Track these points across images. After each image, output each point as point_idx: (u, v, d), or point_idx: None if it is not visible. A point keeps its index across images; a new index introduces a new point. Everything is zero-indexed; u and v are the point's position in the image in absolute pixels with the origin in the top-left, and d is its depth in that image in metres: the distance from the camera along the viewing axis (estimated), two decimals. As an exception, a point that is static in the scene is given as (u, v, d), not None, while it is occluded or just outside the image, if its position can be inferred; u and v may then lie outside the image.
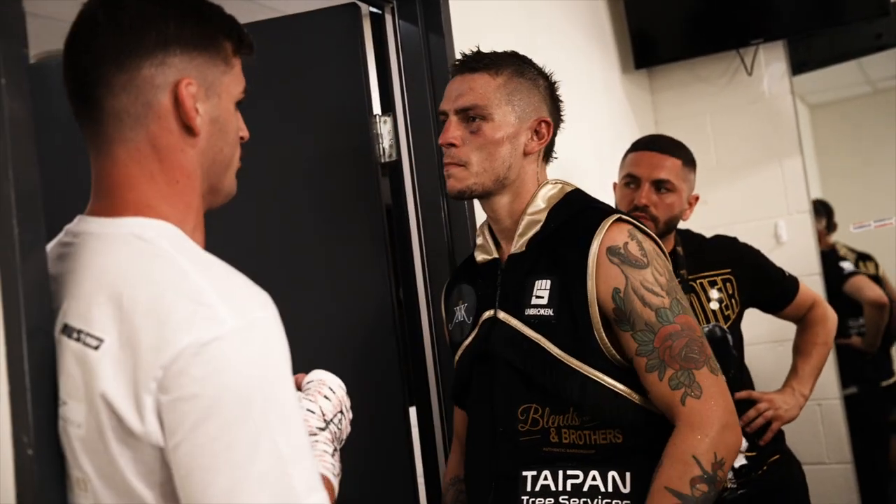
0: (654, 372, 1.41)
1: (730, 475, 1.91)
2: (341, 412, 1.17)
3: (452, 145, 1.55)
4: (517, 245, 1.56)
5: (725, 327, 2.11)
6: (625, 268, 1.44)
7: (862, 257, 3.65)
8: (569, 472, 1.45)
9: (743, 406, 2.03)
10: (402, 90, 2.14)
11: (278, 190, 2.06)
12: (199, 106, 0.99)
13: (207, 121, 1.00)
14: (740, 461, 2.03)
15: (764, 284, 2.21)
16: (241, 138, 1.08)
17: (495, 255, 1.62)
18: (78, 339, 0.88)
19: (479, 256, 1.66)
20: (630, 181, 2.14)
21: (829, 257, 3.43)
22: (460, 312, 1.68)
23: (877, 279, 3.65)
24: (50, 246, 1.00)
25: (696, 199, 2.21)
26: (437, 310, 2.09)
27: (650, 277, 1.44)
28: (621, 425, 1.45)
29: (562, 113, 1.65)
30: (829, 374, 3.19)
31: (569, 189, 1.60)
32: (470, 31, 2.17)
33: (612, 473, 1.43)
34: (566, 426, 1.47)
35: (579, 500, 1.43)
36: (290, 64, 2.07)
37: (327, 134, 2.08)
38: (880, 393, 3.59)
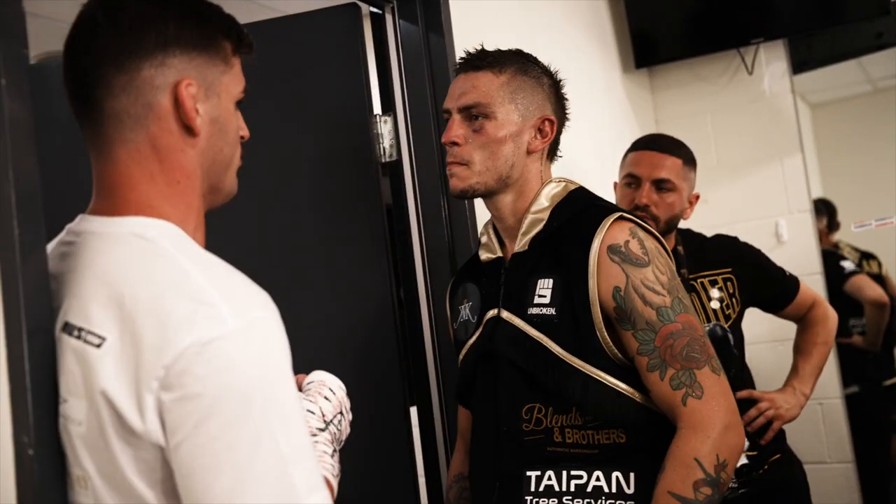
0: (656, 371, 1.40)
1: (730, 474, 1.90)
2: (341, 413, 1.17)
3: (455, 144, 1.54)
4: (520, 244, 1.56)
5: (726, 326, 2.11)
6: (625, 266, 1.43)
7: (865, 256, 3.65)
8: (572, 473, 1.45)
9: (744, 405, 2.02)
10: (403, 90, 2.14)
11: (279, 190, 2.06)
12: (199, 106, 0.99)
13: (207, 121, 1.01)
14: (741, 460, 2.03)
15: (764, 284, 2.21)
16: (242, 138, 1.08)
17: (499, 253, 1.62)
18: (79, 337, 0.88)
19: (484, 255, 1.65)
20: (630, 181, 2.14)
21: (830, 257, 3.43)
22: (465, 311, 1.67)
23: (880, 278, 3.65)
24: (51, 245, 1.01)
25: (697, 197, 2.21)
26: (440, 309, 2.10)
27: (651, 276, 1.43)
28: (624, 425, 1.44)
29: (567, 111, 1.64)
30: (831, 374, 3.19)
31: (572, 187, 1.59)
32: (470, 31, 2.17)
33: (615, 474, 1.43)
34: (569, 426, 1.46)
35: (583, 500, 1.43)
36: (291, 64, 2.07)
37: (328, 134, 2.08)
38: (882, 392, 3.59)
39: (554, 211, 1.54)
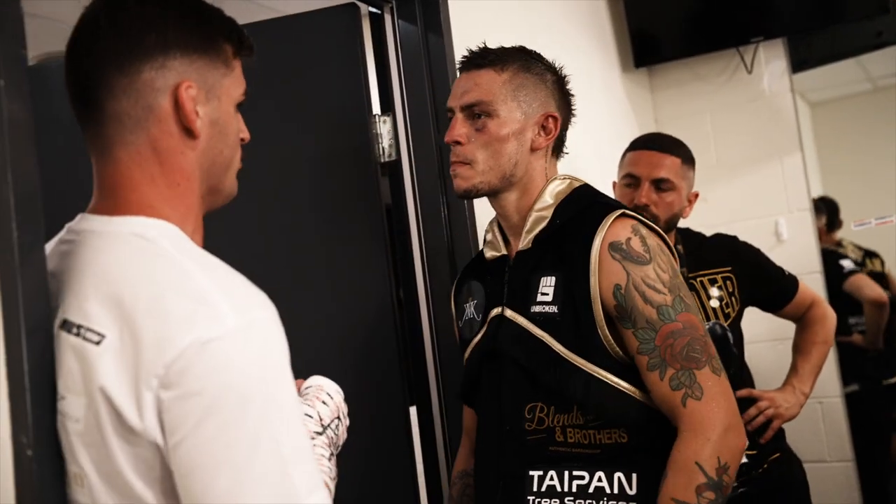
0: (655, 371, 1.39)
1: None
2: (338, 418, 1.17)
3: (458, 143, 1.54)
4: (524, 241, 1.55)
5: (726, 325, 2.11)
6: (626, 264, 1.42)
7: (868, 254, 3.66)
8: (574, 473, 1.44)
9: (743, 404, 2.03)
10: (402, 90, 2.14)
11: (278, 190, 2.06)
12: (199, 108, 1.00)
13: (207, 123, 1.01)
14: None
15: (764, 283, 2.21)
16: (242, 140, 1.09)
17: (504, 251, 1.61)
18: (78, 335, 0.89)
19: (489, 253, 1.64)
20: (630, 180, 2.14)
21: (830, 256, 3.43)
22: (470, 309, 1.67)
23: (883, 276, 3.65)
24: (51, 243, 1.01)
25: (696, 196, 2.21)
26: (439, 309, 2.10)
27: (652, 274, 1.42)
28: (625, 424, 1.43)
29: (573, 108, 1.62)
30: (830, 372, 3.19)
31: (577, 184, 1.57)
32: (469, 31, 2.17)
33: (618, 474, 1.42)
34: (571, 425, 1.45)
35: (585, 501, 1.42)
36: (290, 64, 2.07)
37: (327, 134, 2.08)
38: (882, 391, 3.59)
39: (558, 208, 1.53)
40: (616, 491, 1.41)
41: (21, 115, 0.88)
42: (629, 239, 1.44)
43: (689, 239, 2.25)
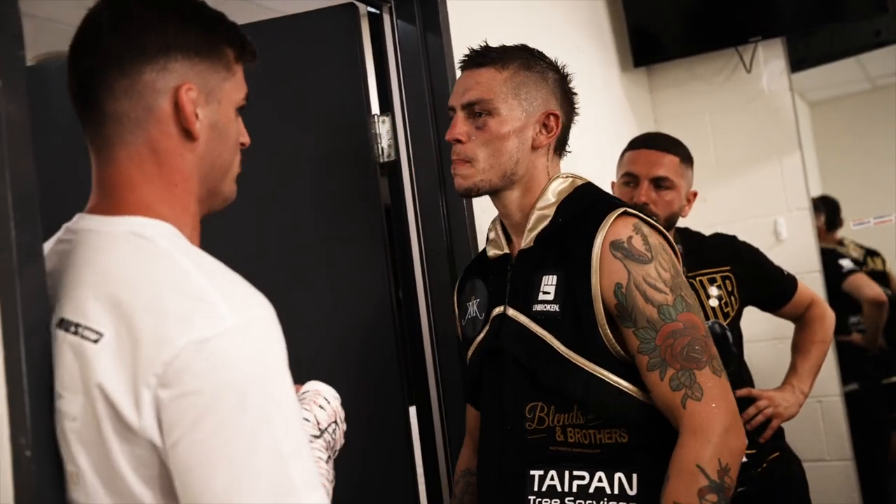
0: (656, 371, 1.38)
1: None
2: (335, 422, 1.18)
3: (458, 141, 1.53)
4: (526, 240, 1.54)
5: (725, 324, 2.11)
6: (627, 262, 1.41)
7: (870, 253, 3.66)
8: (575, 473, 1.44)
9: (743, 403, 2.03)
10: (401, 90, 2.14)
11: (277, 190, 2.06)
12: (199, 111, 1.00)
13: (207, 126, 1.01)
14: (740, 459, 2.02)
15: (763, 283, 2.21)
16: (242, 144, 1.10)
17: (506, 250, 1.60)
18: (76, 333, 0.89)
19: (491, 251, 1.64)
20: (629, 179, 2.14)
21: (829, 255, 3.44)
22: (472, 308, 1.66)
23: (884, 275, 3.65)
24: (49, 243, 1.02)
25: (695, 195, 2.21)
26: (438, 308, 2.10)
27: (653, 273, 1.41)
28: (626, 423, 1.43)
29: (576, 106, 1.61)
30: (830, 371, 3.19)
31: (580, 182, 1.57)
32: (468, 31, 2.17)
33: (618, 475, 1.41)
34: (571, 425, 1.45)
35: (585, 501, 1.42)
36: (289, 64, 2.07)
37: (326, 134, 2.08)
38: (881, 390, 3.59)
39: (560, 207, 1.52)
40: (616, 491, 1.41)
41: (18, 115, 0.88)
42: (630, 237, 1.43)
43: (688, 238, 2.25)
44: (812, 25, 3.35)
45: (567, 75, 1.61)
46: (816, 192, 3.52)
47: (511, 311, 1.53)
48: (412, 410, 2.12)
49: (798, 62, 3.45)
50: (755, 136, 3.40)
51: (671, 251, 1.48)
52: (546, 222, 1.52)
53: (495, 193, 1.56)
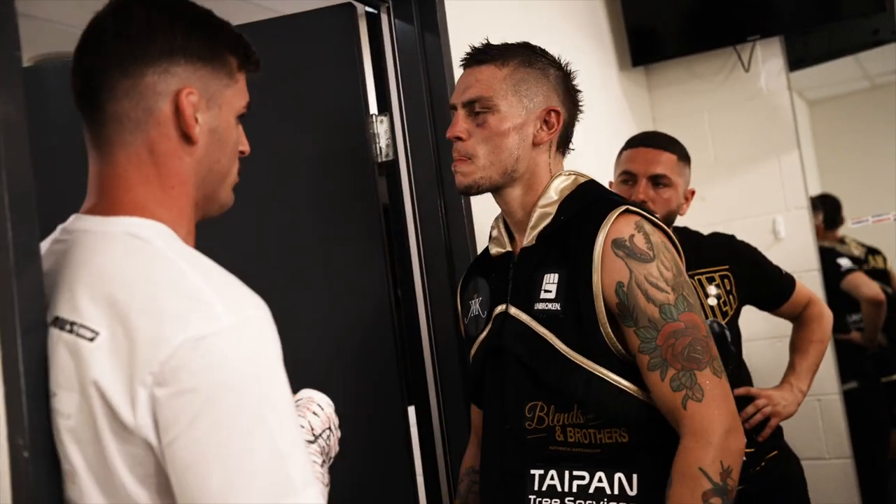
0: (656, 371, 1.38)
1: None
2: (329, 429, 1.19)
3: (459, 139, 1.53)
4: (528, 238, 1.53)
5: (723, 323, 2.12)
6: (629, 261, 1.41)
7: (871, 251, 3.66)
8: (575, 473, 1.43)
9: (741, 402, 2.03)
10: (399, 90, 2.14)
11: (276, 190, 2.06)
12: (199, 115, 1.01)
13: (206, 130, 1.02)
14: (739, 458, 2.03)
15: (761, 282, 2.22)
16: (242, 152, 1.10)
17: (509, 248, 1.59)
18: (71, 331, 0.89)
19: (493, 249, 1.63)
20: (626, 178, 2.14)
21: (827, 254, 3.44)
22: (475, 306, 1.66)
23: (885, 273, 3.65)
24: (44, 243, 1.02)
25: (693, 193, 2.21)
26: (437, 308, 2.10)
27: (655, 272, 1.40)
28: (626, 423, 1.42)
29: (580, 104, 1.61)
30: (829, 370, 3.19)
31: (582, 180, 1.56)
32: (466, 30, 2.17)
33: (618, 475, 1.41)
34: (571, 424, 1.45)
35: (585, 501, 1.41)
36: (287, 64, 2.07)
37: (324, 134, 2.08)
38: (880, 388, 3.59)
39: (562, 205, 1.52)
40: (616, 492, 1.40)
41: (15, 115, 0.88)
42: (632, 236, 1.42)
43: (687, 237, 2.25)
44: (810, 24, 3.35)
45: (570, 72, 1.60)
46: (815, 190, 3.52)
47: (513, 310, 1.52)
48: (411, 410, 2.12)
49: (796, 61, 3.45)
50: (754, 135, 3.40)
51: (673, 249, 1.47)
52: (548, 220, 1.52)
53: (497, 191, 1.56)
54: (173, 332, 0.85)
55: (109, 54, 0.98)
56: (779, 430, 2.16)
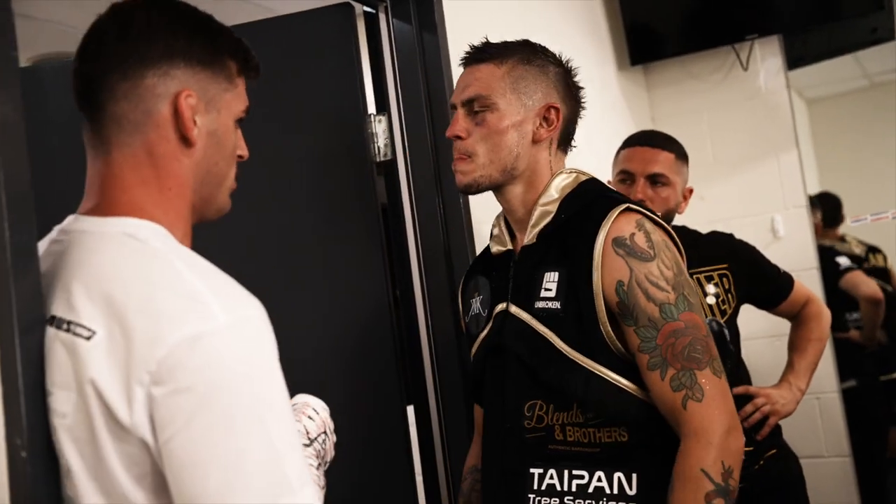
0: (656, 370, 1.38)
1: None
2: (325, 433, 1.19)
3: (458, 137, 1.53)
4: (529, 236, 1.53)
5: (722, 322, 2.12)
6: (630, 260, 1.40)
7: (872, 249, 3.66)
8: (574, 472, 1.43)
9: (740, 401, 2.03)
10: (397, 89, 2.14)
11: (274, 190, 2.06)
12: (198, 118, 1.02)
13: (205, 133, 1.03)
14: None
15: (760, 281, 2.22)
16: (240, 157, 1.11)
17: (510, 246, 1.59)
18: (68, 330, 0.90)
19: (494, 248, 1.63)
20: (624, 177, 2.14)
21: (826, 252, 3.44)
22: (476, 304, 1.65)
23: (886, 271, 3.66)
24: (41, 244, 1.02)
25: (691, 191, 2.21)
26: (435, 307, 2.10)
27: (656, 271, 1.40)
28: (626, 422, 1.42)
29: (582, 101, 1.60)
30: (828, 368, 3.20)
31: (584, 178, 1.56)
32: (464, 30, 2.17)
33: (617, 475, 1.41)
34: (570, 423, 1.44)
35: (584, 501, 1.41)
36: (285, 64, 2.07)
37: (322, 134, 2.08)
38: (879, 387, 3.60)
39: (563, 203, 1.51)
40: (616, 491, 1.40)
41: (13, 116, 0.89)
42: (633, 234, 1.42)
43: (685, 236, 2.24)
44: (808, 23, 3.36)
45: (571, 69, 1.59)
46: (814, 189, 3.52)
47: (513, 308, 1.52)
48: (410, 410, 2.12)
49: (795, 60, 3.46)
50: (752, 133, 3.40)
51: (675, 248, 1.47)
52: (549, 218, 1.51)
53: (497, 189, 1.56)
54: (170, 330, 0.85)
55: (110, 56, 0.99)
56: (777, 429, 2.16)
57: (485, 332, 1.60)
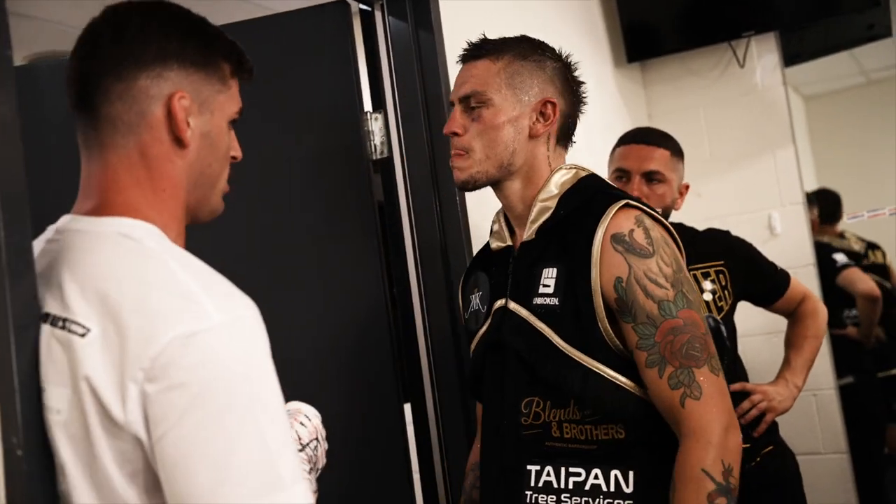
0: (654, 368, 1.37)
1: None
2: (317, 440, 1.20)
3: (455, 134, 1.53)
4: (528, 232, 1.53)
5: (719, 318, 2.12)
6: (628, 256, 1.40)
7: (871, 246, 3.67)
8: (571, 470, 1.43)
9: (737, 398, 2.03)
10: (393, 87, 2.14)
11: (270, 188, 2.06)
12: (191, 120, 1.03)
13: (198, 135, 1.04)
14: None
15: (756, 278, 2.22)
16: (233, 158, 1.12)
17: (509, 242, 1.59)
18: (63, 327, 0.90)
19: (494, 244, 1.63)
20: (620, 174, 2.14)
21: (823, 249, 3.44)
22: (475, 301, 1.65)
23: (884, 268, 3.66)
24: (36, 243, 1.02)
25: (687, 188, 2.21)
26: (433, 305, 2.10)
27: (655, 268, 1.39)
28: (623, 419, 1.42)
29: (583, 96, 1.59)
30: (825, 365, 3.20)
31: (583, 174, 1.55)
32: (460, 27, 2.17)
33: (614, 472, 1.40)
34: (567, 420, 1.44)
35: (581, 498, 1.41)
36: (281, 62, 2.07)
37: (318, 132, 2.08)
38: (877, 383, 3.60)
39: (562, 199, 1.51)
40: (612, 489, 1.40)
41: (8, 115, 0.88)
42: (632, 231, 1.41)
43: (682, 233, 2.23)
44: (805, 20, 3.36)
45: (570, 64, 1.59)
46: (811, 186, 3.52)
47: (512, 305, 1.52)
48: (407, 408, 2.12)
49: (792, 56, 3.46)
50: (749, 130, 3.40)
51: (674, 244, 1.47)
52: (548, 214, 1.51)
53: (496, 185, 1.56)
54: (164, 329, 0.86)
55: (105, 58, 1.00)
56: (774, 426, 2.16)
57: (484, 328, 1.60)
